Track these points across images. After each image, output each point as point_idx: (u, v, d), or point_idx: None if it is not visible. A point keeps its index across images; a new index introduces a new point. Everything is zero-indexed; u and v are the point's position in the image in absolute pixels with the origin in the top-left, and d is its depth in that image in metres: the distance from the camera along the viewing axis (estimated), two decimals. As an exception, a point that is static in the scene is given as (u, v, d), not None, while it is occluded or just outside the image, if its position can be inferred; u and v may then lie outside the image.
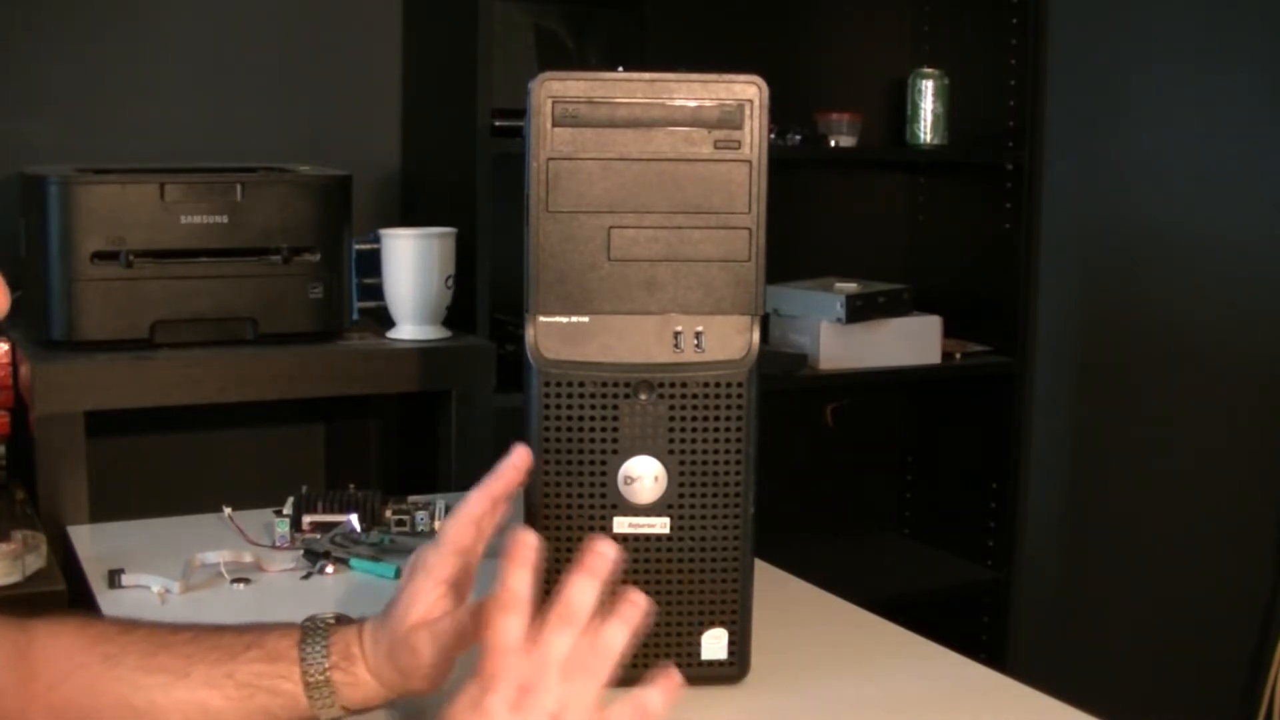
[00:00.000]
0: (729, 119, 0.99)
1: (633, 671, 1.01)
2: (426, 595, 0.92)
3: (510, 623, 0.77)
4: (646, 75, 0.99)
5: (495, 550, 0.89)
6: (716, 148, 0.99)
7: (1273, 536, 2.38)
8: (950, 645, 1.13)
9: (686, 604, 1.02)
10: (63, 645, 0.92)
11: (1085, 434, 2.80)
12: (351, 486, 1.40)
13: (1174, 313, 2.57)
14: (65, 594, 1.40)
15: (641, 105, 0.99)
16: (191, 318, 1.83)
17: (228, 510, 1.41)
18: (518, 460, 0.95)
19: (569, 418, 0.99)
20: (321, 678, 0.91)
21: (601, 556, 0.79)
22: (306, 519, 1.37)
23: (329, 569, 1.29)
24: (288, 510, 1.37)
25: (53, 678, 0.90)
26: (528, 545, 0.78)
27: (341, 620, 0.96)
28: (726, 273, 1.00)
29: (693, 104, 0.99)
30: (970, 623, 2.83)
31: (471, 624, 0.88)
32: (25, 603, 1.37)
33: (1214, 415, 2.51)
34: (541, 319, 1.00)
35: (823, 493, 2.94)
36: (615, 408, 1.00)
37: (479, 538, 0.94)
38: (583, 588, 0.77)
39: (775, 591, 1.25)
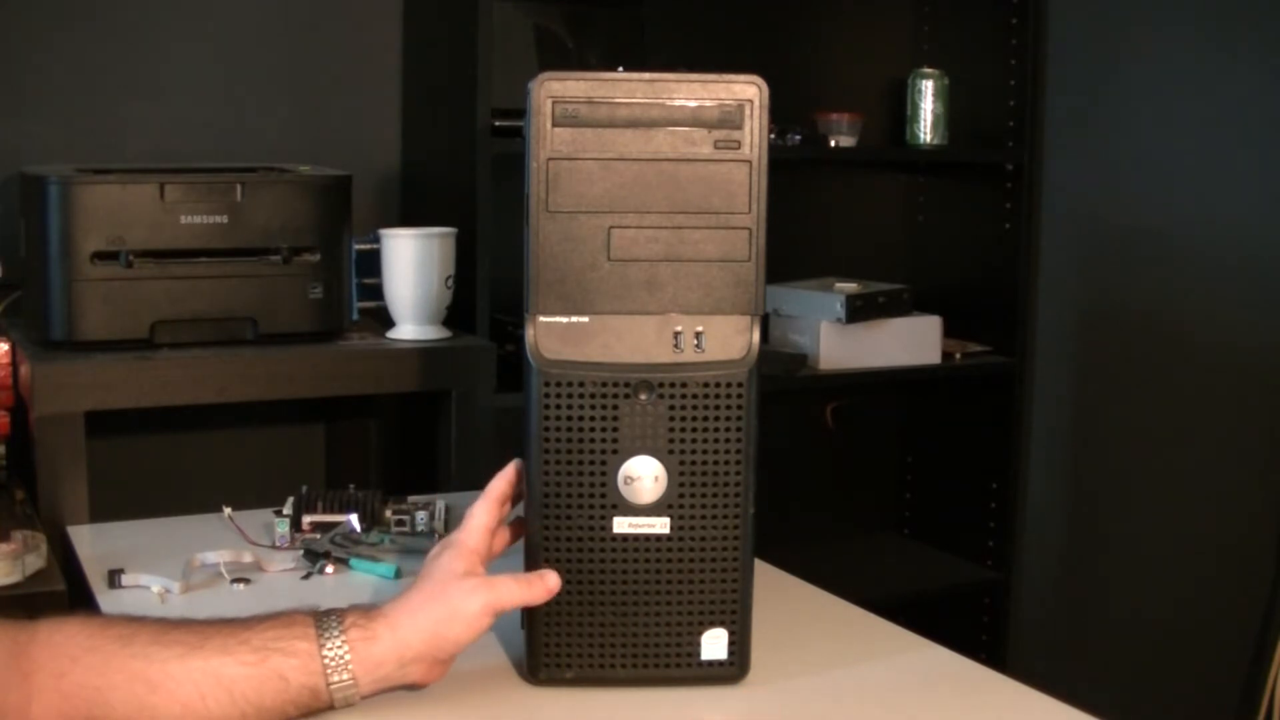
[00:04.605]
0: (729, 119, 0.99)
1: (633, 671, 1.02)
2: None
3: None
4: (646, 75, 0.99)
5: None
6: (716, 148, 0.99)
7: (1273, 536, 2.37)
8: (950, 645, 1.13)
9: (686, 604, 1.01)
10: (68, 635, 0.93)
11: (1085, 434, 2.80)
12: (351, 486, 1.40)
13: (1174, 312, 2.57)
14: (65, 594, 1.40)
15: (641, 105, 0.99)
16: (191, 318, 1.83)
17: (228, 510, 1.41)
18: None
19: (569, 418, 0.99)
20: (338, 639, 0.94)
21: None
22: (306, 519, 1.37)
23: (329, 569, 1.29)
24: (288, 510, 1.37)
25: (61, 666, 0.91)
26: None
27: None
28: (726, 273, 1.00)
29: (693, 104, 0.99)
30: (970, 623, 2.83)
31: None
32: (25, 603, 1.37)
33: (1214, 415, 2.51)
34: (541, 319, 1.00)
35: (823, 493, 2.94)
36: (615, 408, 0.99)
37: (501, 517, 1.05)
38: None
39: (775, 591, 1.25)
